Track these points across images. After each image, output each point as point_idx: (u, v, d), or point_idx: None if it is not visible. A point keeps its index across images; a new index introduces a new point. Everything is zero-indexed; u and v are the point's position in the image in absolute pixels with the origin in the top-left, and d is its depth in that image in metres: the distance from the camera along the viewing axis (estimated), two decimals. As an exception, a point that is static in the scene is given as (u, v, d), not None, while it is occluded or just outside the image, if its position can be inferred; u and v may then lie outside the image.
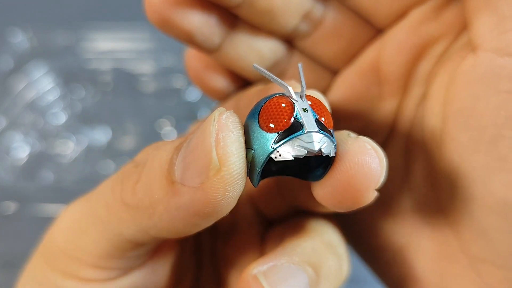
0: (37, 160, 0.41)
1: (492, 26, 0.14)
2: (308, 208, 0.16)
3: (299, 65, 0.13)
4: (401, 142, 0.18)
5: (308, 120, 0.11)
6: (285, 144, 0.11)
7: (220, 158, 0.11)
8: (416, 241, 0.17)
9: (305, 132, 0.11)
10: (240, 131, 0.11)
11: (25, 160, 0.41)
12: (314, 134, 0.11)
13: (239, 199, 0.19)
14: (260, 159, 0.11)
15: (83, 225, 0.14)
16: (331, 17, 0.17)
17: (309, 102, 0.12)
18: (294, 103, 0.12)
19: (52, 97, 0.46)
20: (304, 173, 0.13)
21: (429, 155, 0.17)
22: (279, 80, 0.12)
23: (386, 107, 0.18)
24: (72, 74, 0.46)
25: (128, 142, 0.43)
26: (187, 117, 0.44)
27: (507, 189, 0.13)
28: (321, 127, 0.11)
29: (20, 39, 0.46)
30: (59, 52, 0.47)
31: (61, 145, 0.43)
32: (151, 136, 0.43)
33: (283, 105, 0.11)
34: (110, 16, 0.50)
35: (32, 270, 0.16)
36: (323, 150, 0.11)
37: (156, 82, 0.46)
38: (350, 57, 0.18)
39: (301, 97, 0.12)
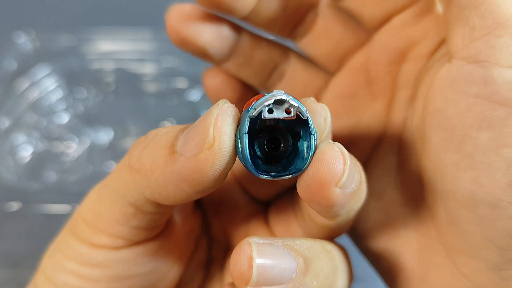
0: (40, 160, 0.42)
1: (464, 35, 0.15)
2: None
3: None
4: (394, 140, 0.19)
5: (277, 91, 0.13)
6: (258, 102, 0.13)
7: (215, 135, 0.13)
8: (404, 234, 0.18)
9: (273, 92, 0.13)
10: (235, 119, 0.14)
11: (28, 160, 0.42)
12: (280, 92, 0.13)
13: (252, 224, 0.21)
14: (243, 126, 0.13)
15: (101, 195, 0.17)
16: (322, 20, 0.20)
17: None
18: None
19: (54, 97, 0.46)
20: (292, 161, 0.15)
21: (416, 153, 0.18)
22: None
23: (376, 107, 0.19)
24: (75, 75, 0.47)
25: (130, 142, 0.43)
26: (189, 117, 0.44)
27: (474, 185, 0.15)
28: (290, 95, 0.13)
29: (23, 41, 0.47)
30: (62, 54, 0.47)
31: (64, 145, 0.43)
32: (153, 137, 0.43)
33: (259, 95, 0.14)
34: (112, 21, 0.51)
35: (57, 238, 0.18)
36: (291, 102, 0.13)
37: (158, 83, 0.46)
38: (340, 57, 0.20)
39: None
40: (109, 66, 0.47)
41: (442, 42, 0.18)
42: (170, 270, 0.19)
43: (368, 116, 0.20)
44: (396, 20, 0.18)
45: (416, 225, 0.18)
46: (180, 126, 0.15)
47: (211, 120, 0.13)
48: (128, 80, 0.47)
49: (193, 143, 0.13)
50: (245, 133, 0.13)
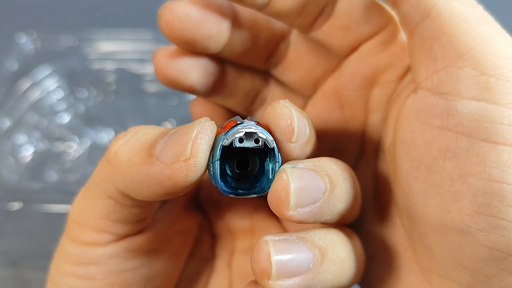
0: (41, 160, 0.42)
1: (427, 66, 0.15)
2: None
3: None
4: (370, 163, 0.20)
5: (248, 121, 0.15)
6: (231, 132, 0.15)
7: (192, 151, 0.14)
8: (383, 251, 0.19)
9: (244, 122, 0.15)
10: (212, 138, 0.15)
11: (28, 160, 0.42)
12: (251, 123, 0.15)
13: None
14: (216, 152, 0.15)
15: (86, 193, 0.18)
16: (293, 49, 0.21)
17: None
18: (243, 119, 0.16)
19: (55, 98, 0.46)
20: (258, 178, 0.16)
21: (390, 177, 0.19)
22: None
23: (350, 129, 0.20)
24: (76, 75, 0.47)
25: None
26: (189, 117, 0.44)
27: (442, 212, 0.15)
28: (259, 125, 0.15)
29: (24, 41, 0.47)
30: (63, 54, 0.47)
31: (65, 145, 0.43)
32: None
33: (233, 119, 0.16)
34: (112, 22, 0.51)
35: (58, 245, 0.19)
36: (259, 134, 0.15)
37: (158, 83, 0.46)
38: (313, 83, 0.21)
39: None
40: (109, 66, 0.47)
41: (409, 68, 0.18)
42: (165, 266, 0.20)
43: (344, 139, 0.20)
44: (364, 48, 0.19)
45: (394, 245, 0.19)
46: (160, 129, 0.16)
47: (191, 136, 0.14)
48: (128, 80, 0.47)
49: (171, 152, 0.14)
50: (217, 160, 0.15)
